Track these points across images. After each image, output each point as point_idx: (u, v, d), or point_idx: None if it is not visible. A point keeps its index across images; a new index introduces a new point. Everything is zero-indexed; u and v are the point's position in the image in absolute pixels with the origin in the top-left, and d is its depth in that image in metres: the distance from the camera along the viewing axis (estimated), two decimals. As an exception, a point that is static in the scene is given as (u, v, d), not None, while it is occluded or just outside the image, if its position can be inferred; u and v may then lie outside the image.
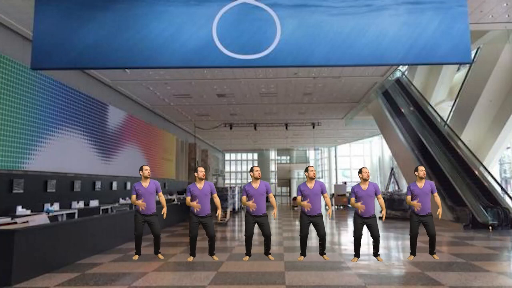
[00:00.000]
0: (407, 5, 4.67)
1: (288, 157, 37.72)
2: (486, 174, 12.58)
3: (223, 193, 17.64)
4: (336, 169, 35.06)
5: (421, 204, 5.66)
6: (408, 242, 5.97)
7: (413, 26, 4.62)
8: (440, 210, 5.69)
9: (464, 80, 14.73)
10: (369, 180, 5.74)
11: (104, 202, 11.31)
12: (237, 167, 38.49)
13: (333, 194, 22.46)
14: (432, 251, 5.91)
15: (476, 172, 12.65)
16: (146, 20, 4.67)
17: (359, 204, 5.55)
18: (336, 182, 31.59)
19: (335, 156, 35.43)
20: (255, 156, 37.60)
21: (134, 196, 5.69)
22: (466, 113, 14.48)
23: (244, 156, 38.33)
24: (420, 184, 5.74)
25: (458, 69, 16.75)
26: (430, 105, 15.69)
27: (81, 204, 9.84)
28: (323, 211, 5.92)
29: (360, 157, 32.76)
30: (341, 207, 22.07)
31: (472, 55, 11.95)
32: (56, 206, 8.80)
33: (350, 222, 13.89)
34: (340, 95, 15.06)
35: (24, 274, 5.19)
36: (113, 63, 4.70)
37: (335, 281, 5.11)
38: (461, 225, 11.03)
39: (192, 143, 23.21)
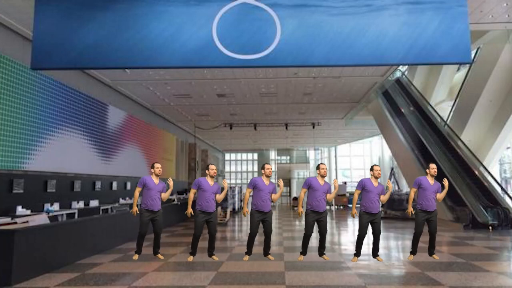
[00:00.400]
0: (407, 5, 4.67)
1: (288, 157, 37.71)
2: (486, 174, 12.58)
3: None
4: (336, 169, 35.06)
5: (429, 201, 5.67)
6: (408, 242, 5.98)
7: (413, 26, 4.61)
8: (445, 191, 5.71)
9: (464, 80, 14.73)
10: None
11: (104, 202, 11.31)
12: (237, 167, 38.47)
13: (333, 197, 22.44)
14: (431, 252, 5.92)
15: (476, 172, 12.65)
16: (146, 20, 4.67)
17: (353, 211, 5.61)
18: (335, 184, 31.50)
19: (335, 156, 35.42)
20: (255, 156, 37.59)
21: (139, 189, 5.68)
22: (466, 113, 14.47)
23: (244, 156, 38.31)
24: (432, 181, 5.75)
25: (458, 69, 16.75)
26: (430, 105, 15.69)
27: (81, 204, 9.84)
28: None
29: (360, 157, 32.75)
30: (341, 207, 22.07)
31: (472, 55, 11.95)
32: (56, 206, 8.80)
33: (350, 222, 13.89)
34: (340, 95, 15.05)
35: (24, 274, 5.19)
36: (113, 63, 4.70)
37: (335, 281, 5.11)
38: (461, 225, 11.04)
39: (192, 143, 23.21)
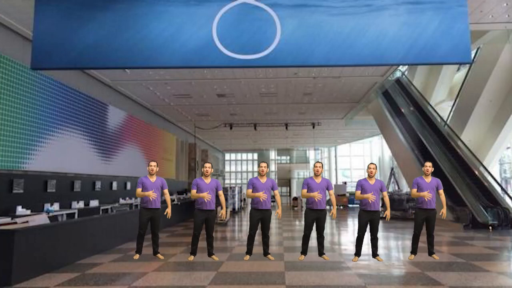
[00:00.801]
0: (407, 5, 4.67)
1: (288, 157, 37.70)
2: (486, 174, 12.58)
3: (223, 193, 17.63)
4: (336, 169, 35.05)
5: (427, 199, 5.69)
6: (408, 242, 5.98)
7: (413, 26, 4.62)
8: (444, 211, 5.71)
9: (464, 80, 14.73)
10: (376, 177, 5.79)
11: (104, 202, 11.30)
12: (237, 167, 38.46)
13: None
14: (431, 252, 5.93)
15: (476, 172, 12.65)
16: (146, 20, 4.67)
17: (369, 195, 5.55)
18: (336, 182, 31.57)
19: (335, 156, 35.42)
20: (255, 156, 37.58)
21: (139, 189, 5.71)
22: (466, 113, 14.47)
23: (244, 156, 38.30)
24: (427, 179, 5.77)
25: (458, 69, 16.75)
26: (430, 105, 15.69)
27: (81, 204, 9.83)
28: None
29: (360, 157, 32.75)
30: (341, 207, 22.06)
31: (472, 55, 11.94)
32: (56, 206, 8.79)
33: (350, 222, 13.89)
34: (340, 95, 15.05)
35: (24, 274, 5.19)
36: (113, 63, 4.71)
37: (335, 281, 5.11)
38: (461, 225, 11.04)
39: (192, 143, 23.21)
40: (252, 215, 5.63)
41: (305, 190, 5.65)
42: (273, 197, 6.23)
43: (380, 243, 6.80)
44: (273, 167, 37.04)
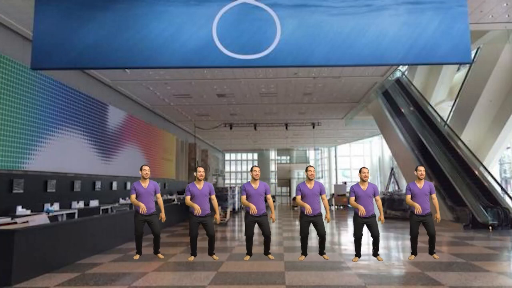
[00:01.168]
0: (407, 5, 4.67)
1: (288, 157, 37.70)
2: (486, 174, 12.57)
3: (223, 193, 17.65)
4: (336, 169, 35.05)
5: (420, 204, 5.69)
6: (408, 242, 5.98)
7: (413, 26, 4.62)
8: (438, 215, 5.71)
9: (464, 80, 14.73)
10: (369, 181, 5.77)
11: (104, 202, 11.31)
12: (237, 167, 38.46)
13: (333, 194, 22.47)
14: (431, 251, 5.93)
15: (476, 172, 12.65)
16: (146, 20, 4.67)
17: (360, 206, 5.55)
18: (336, 182, 31.57)
19: (335, 156, 35.41)
20: (255, 156, 37.58)
21: (133, 196, 5.72)
22: (466, 113, 14.47)
23: (244, 156, 38.30)
24: (420, 184, 5.76)
25: (458, 69, 16.75)
26: (430, 105, 15.69)
27: (81, 204, 9.83)
28: (322, 211, 5.90)
29: (360, 157, 32.75)
30: (341, 207, 22.07)
31: (472, 55, 11.95)
32: (56, 206, 8.80)
33: (350, 222, 13.89)
34: (340, 95, 15.05)
35: (24, 274, 5.19)
36: (113, 63, 4.71)
37: (335, 281, 5.11)
38: (461, 225, 11.03)
39: (192, 143, 23.21)
40: (247, 219, 5.62)
41: (299, 197, 5.63)
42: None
43: (380, 243, 6.79)
44: (273, 167, 37.05)
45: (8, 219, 6.58)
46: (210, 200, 5.81)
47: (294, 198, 24.27)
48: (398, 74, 16.37)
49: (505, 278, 5.31)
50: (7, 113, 7.62)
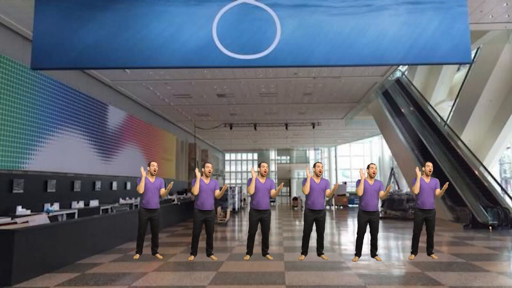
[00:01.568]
0: (407, 5, 4.67)
1: (288, 157, 37.70)
2: (486, 174, 12.57)
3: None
4: (336, 169, 35.05)
5: (426, 198, 5.72)
6: (408, 242, 5.98)
7: (413, 26, 4.62)
8: (443, 189, 5.67)
9: (464, 80, 14.72)
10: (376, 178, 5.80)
11: (104, 202, 11.30)
12: (237, 167, 38.45)
13: (333, 194, 22.49)
14: (430, 251, 5.93)
15: (476, 172, 12.65)
16: (146, 20, 4.67)
17: (361, 171, 5.60)
18: (336, 182, 31.56)
19: (335, 156, 35.41)
20: (255, 156, 37.57)
21: (141, 184, 5.69)
22: (466, 113, 14.47)
23: (244, 156, 38.30)
24: (427, 179, 5.79)
25: (458, 69, 16.74)
26: (430, 105, 15.68)
27: (81, 204, 9.83)
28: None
29: (360, 157, 32.74)
30: (341, 207, 22.06)
31: (472, 55, 11.94)
32: (56, 206, 8.80)
33: (350, 222, 13.89)
34: (340, 95, 15.05)
35: (24, 274, 5.19)
36: (113, 63, 4.71)
37: (335, 281, 5.11)
38: (461, 225, 11.03)
39: (192, 143, 23.21)
40: (252, 215, 5.65)
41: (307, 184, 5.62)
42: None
43: (380, 243, 6.80)
44: (273, 167, 37.05)
45: (8, 219, 6.57)
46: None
47: (295, 198, 24.22)
48: (398, 74, 16.36)
49: (505, 278, 5.31)
50: (7, 113, 7.62)
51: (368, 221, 5.67)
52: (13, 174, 7.81)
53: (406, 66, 16.48)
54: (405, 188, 20.40)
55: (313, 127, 21.50)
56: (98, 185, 11.34)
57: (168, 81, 12.90)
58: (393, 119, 15.61)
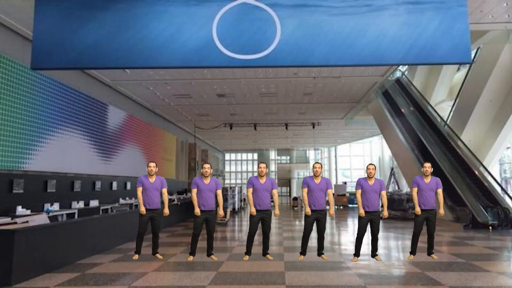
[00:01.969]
0: (407, 5, 4.67)
1: (288, 157, 37.69)
2: (486, 174, 12.57)
3: (223, 193, 17.60)
4: (336, 169, 35.05)
5: (426, 199, 5.73)
6: (408, 242, 5.98)
7: (413, 26, 4.61)
8: (441, 211, 5.73)
9: (464, 80, 14.72)
10: (376, 177, 5.80)
11: (104, 202, 11.30)
12: (237, 167, 38.45)
13: (333, 194, 22.49)
14: (430, 252, 5.93)
15: (476, 172, 12.65)
16: (146, 20, 4.67)
17: (362, 210, 5.63)
18: (336, 182, 31.57)
19: (335, 156, 35.41)
20: (255, 156, 37.57)
21: (140, 189, 5.71)
22: (466, 113, 14.47)
23: (244, 156, 38.30)
24: (426, 179, 5.78)
25: (458, 69, 16.74)
26: (430, 105, 15.68)
27: (81, 204, 9.83)
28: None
29: (360, 157, 32.74)
30: (341, 207, 22.06)
31: (472, 55, 11.94)
32: (56, 206, 8.79)
33: (350, 222, 13.89)
34: (340, 95, 15.05)
35: (24, 274, 5.19)
36: (113, 63, 4.71)
37: (335, 281, 5.11)
38: (461, 225, 11.03)
39: (192, 143, 23.21)
40: (252, 215, 5.64)
41: (305, 190, 5.66)
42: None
43: (380, 243, 6.79)
44: (273, 167, 37.04)
45: (8, 219, 6.57)
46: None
47: (295, 198, 24.21)
48: (398, 74, 16.36)
49: (505, 278, 5.31)
50: (7, 113, 7.62)
51: (369, 221, 5.67)
52: (13, 174, 7.81)
53: (406, 66, 16.48)
54: (405, 188, 20.41)
55: (313, 127, 21.50)
56: (98, 185, 11.34)
57: (168, 81, 12.90)
58: (393, 119, 15.61)
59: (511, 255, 7.50)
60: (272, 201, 5.86)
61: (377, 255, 5.83)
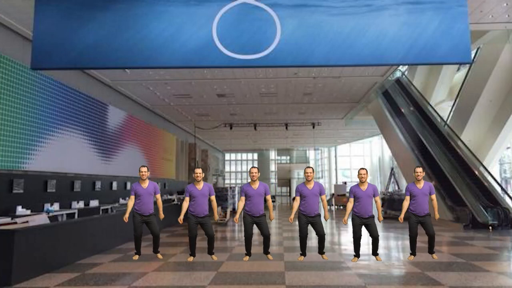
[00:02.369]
0: (407, 5, 4.67)
1: (288, 157, 37.71)
2: (486, 174, 12.57)
3: (223, 193, 17.62)
4: (336, 169, 35.05)
5: (419, 205, 5.70)
6: (408, 242, 5.97)
7: (413, 26, 4.62)
8: (436, 215, 5.73)
9: (464, 80, 14.73)
10: (369, 182, 5.77)
11: (104, 202, 11.30)
12: (237, 167, 38.47)
13: (333, 194, 22.48)
14: (431, 251, 5.92)
15: (476, 172, 12.65)
16: (146, 20, 4.67)
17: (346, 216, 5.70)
18: (336, 182, 31.57)
19: (335, 156, 35.42)
20: (255, 156, 37.58)
21: (132, 197, 5.70)
22: (466, 113, 14.47)
23: (244, 156, 38.31)
24: (419, 185, 5.76)
25: (458, 69, 16.75)
26: (430, 105, 15.69)
27: (81, 204, 9.83)
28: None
29: (360, 157, 32.75)
30: (341, 207, 22.06)
31: (472, 55, 11.94)
32: (56, 206, 8.79)
33: (350, 222, 13.88)
34: (340, 95, 15.05)
35: (24, 274, 5.19)
36: (113, 63, 4.71)
37: (335, 281, 5.11)
38: (461, 225, 11.03)
39: (192, 143, 23.21)
40: (246, 219, 5.61)
41: (298, 198, 5.64)
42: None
43: (380, 243, 6.78)
44: (273, 167, 37.05)
45: (8, 219, 6.57)
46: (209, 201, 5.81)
47: (294, 198, 24.25)
48: (398, 74, 16.37)
49: (505, 278, 5.31)
50: (7, 113, 7.62)
51: (362, 224, 5.64)
52: (13, 174, 7.81)
53: (406, 66, 16.49)
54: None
55: (313, 127, 21.50)
56: (98, 185, 11.34)
57: (168, 81, 12.90)
58: (393, 119, 15.62)
59: (511, 255, 7.50)
60: (273, 201, 5.83)
61: (377, 254, 5.82)
